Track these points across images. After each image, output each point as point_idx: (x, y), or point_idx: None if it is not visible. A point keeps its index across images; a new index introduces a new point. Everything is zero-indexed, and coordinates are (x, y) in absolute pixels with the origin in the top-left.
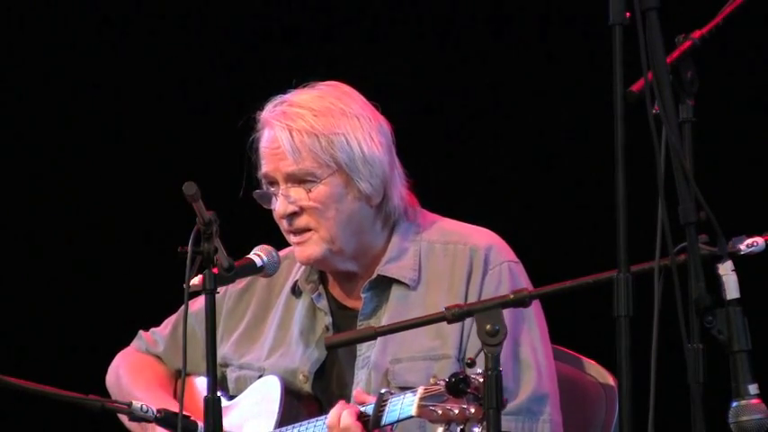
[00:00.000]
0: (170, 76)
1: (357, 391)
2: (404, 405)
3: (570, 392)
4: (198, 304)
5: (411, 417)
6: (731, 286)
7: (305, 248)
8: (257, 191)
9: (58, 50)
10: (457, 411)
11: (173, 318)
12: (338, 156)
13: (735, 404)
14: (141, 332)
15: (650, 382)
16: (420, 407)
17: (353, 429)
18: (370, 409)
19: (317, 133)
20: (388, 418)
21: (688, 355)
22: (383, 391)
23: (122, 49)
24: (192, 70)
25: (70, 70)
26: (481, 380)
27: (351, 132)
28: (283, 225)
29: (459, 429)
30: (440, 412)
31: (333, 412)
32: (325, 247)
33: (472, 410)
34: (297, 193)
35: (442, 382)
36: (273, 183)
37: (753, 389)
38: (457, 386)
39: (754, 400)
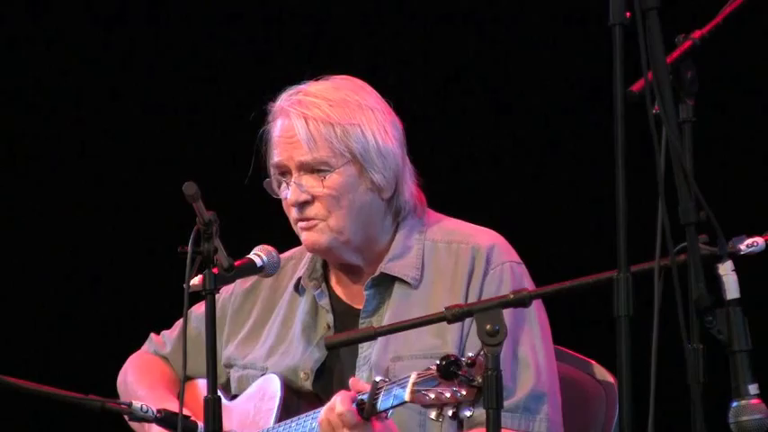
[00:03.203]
0: (170, 76)
1: (353, 379)
2: (397, 391)
3: (570, 392)
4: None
5: (404, 402)
6: (731, 286)
7: (311, 234)
8: (267, 180)
9: (57, 50)
10: (449, 395)
11: (181, 320)
12: (353, 146)
13: (735, 404)
14: (152, 335)
15: (650, 382)
16: (413, 392)
17: (347, 415)
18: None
19: (333, 122)
20: (382, 404)
21: (688, 355)
22: (378, 379)
23: (122, 49)
24: (193, 69)
25: (70, 69)
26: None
27: (366, 123)
28: (293, 214)
29: (450, 412)
30: (432, 396)
31: (330, 401)
32: (333, 237)
33: (464, 392)
34: (309, 181)
35: (434, 366)
36: (286, 172)
37: (753, 389)
38: (448, 369)
39: (754, 400)
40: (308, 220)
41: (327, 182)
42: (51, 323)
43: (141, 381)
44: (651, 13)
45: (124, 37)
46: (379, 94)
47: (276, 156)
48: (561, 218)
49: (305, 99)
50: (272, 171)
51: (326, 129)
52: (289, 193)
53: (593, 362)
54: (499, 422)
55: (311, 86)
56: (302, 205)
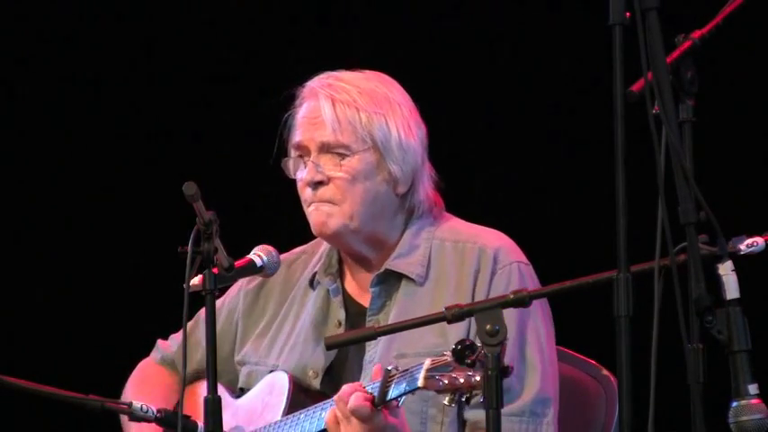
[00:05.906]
0: (171, 76)
1: (377, 366)
2: (410, 378)
3: (570, 392)
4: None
5: (417, 389)
6: (731, 286)
7: (320, 214)
8: (285, 158)
9: (56, 47)
10: (462, 380)
11: (189, 323)
12: (375, 133)
13: (735, 404)
14: (159, 341)
15: (650, 382)
16: (426, 378)
17: (362, 410)
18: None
19: (359, 108)
20: (393, 392)
21: (688, 355)
22: (390, 367)
23: (123, 49)
24: (194, 70)
25: (70, 68)
26: None
27: (391, 115)
28: (307, 194)
29: (464, 398)
30: (446, 381)
31: (344, 387)
32: (342, 223)
33: (478, 378)
34: (327, 163)
35: (448, 352)
36: (305, 153)
37: (753, 389)
38: (463, 353)
39: (754, 400)
40: (321, 203)
41: (345, 165)
42: (52, 323)
43: (138, 392)
44: (651, 13)
45: (125, 36)
46: (407, 94)
47: (298, 135)
48: (561, 218)
49: (336, 83)
50: (292, 152)
51: (352, 113)
52: (305, 173)
53: (593, 362)
54: (499, 422)
55: (344, 74)
56: (316, 185)
